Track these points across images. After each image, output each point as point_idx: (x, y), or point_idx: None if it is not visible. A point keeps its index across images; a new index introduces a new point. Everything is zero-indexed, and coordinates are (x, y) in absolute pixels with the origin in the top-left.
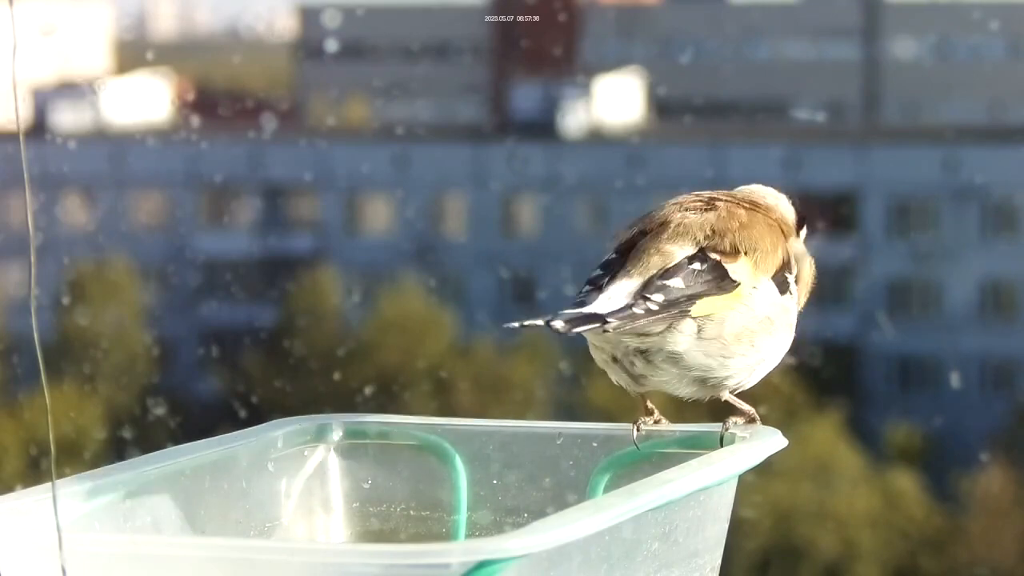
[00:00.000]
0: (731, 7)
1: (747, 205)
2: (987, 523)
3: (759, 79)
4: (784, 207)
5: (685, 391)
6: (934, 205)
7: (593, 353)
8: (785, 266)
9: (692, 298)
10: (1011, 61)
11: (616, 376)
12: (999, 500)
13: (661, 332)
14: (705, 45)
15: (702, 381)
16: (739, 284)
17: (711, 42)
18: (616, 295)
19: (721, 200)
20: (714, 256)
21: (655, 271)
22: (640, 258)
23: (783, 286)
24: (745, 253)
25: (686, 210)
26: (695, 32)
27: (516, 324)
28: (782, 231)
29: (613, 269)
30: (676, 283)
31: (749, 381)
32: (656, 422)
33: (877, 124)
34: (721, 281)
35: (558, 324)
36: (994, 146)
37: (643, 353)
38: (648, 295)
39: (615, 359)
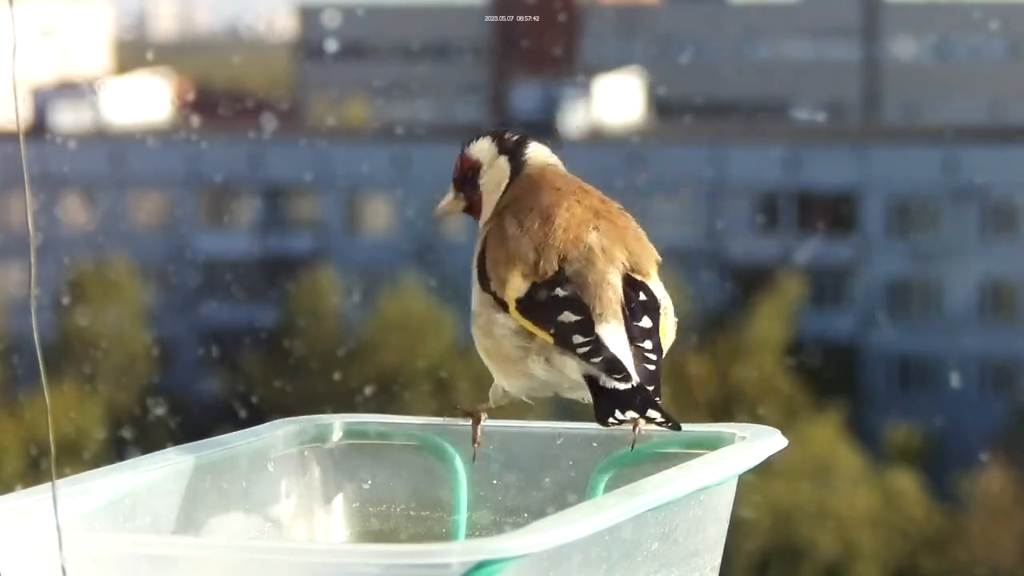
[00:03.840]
0: (731, 7)
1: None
2: (987, 523)
3: (759, 79)
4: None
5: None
6: (934, 205)
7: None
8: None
9: (657, 331)
10: (1011, 61)
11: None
12: (999, 500)
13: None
14: (705, 45)
15: None
16: (666, 306)
17: (711, 42)
18: (624, 353)
19: (586, 197)
20: (637, 277)
21: (618, 307)
22: (594, 291)
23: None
24: (653, 267)
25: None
26: (695, 32)
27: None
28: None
29: (578, 306)
30: (646, 323)
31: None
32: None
33: (877, 124)
34: (658, 304)
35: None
36: (994, 146)
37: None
38: (643, 348)
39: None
